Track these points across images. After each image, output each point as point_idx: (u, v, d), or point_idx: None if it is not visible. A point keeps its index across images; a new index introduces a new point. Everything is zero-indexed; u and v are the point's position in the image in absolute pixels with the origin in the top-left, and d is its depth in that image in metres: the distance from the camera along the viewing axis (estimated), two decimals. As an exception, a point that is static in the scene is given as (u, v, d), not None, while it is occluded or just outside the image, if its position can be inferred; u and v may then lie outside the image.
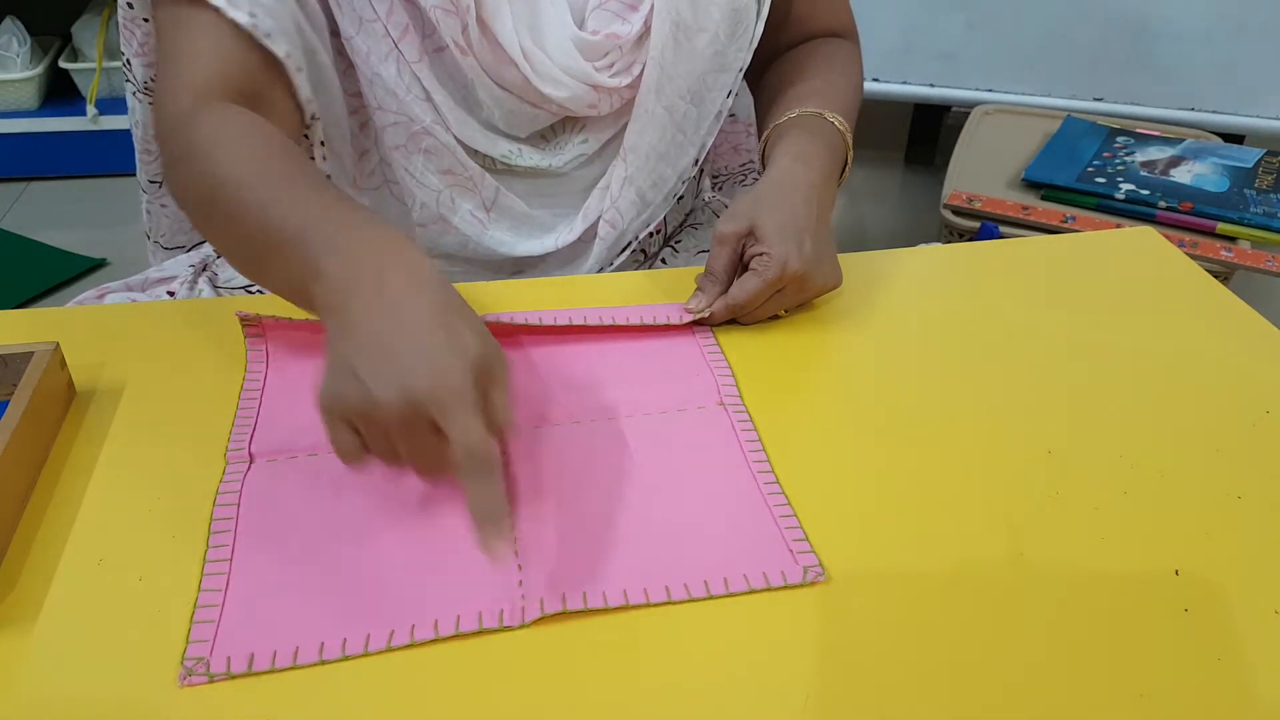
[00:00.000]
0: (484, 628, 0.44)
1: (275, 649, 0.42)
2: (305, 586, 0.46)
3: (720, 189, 0.93)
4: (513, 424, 0.46)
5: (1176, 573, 0.48)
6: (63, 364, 0.55)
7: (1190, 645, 0.44)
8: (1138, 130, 1.54)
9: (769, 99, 0.78)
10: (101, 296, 0.74)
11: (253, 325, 0.60)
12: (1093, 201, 1.37)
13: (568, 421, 0.56)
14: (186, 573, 0.46)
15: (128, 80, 0.75)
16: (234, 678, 0.41)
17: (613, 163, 0.74)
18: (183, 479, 0.51)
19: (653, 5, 0.69)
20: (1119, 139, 1.50)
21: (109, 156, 1.99)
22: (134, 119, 0.78)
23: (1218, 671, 0.43)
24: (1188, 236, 1.31)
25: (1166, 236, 0.77)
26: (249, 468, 0.52)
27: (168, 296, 0.76)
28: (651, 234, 0.80)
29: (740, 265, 0.63)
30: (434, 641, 0.43)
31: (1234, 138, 1.68)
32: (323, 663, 0.42)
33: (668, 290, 0.67)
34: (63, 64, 1.94)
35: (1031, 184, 1.42)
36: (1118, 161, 1.44)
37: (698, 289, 0.64)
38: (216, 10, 0.59)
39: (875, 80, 1.81)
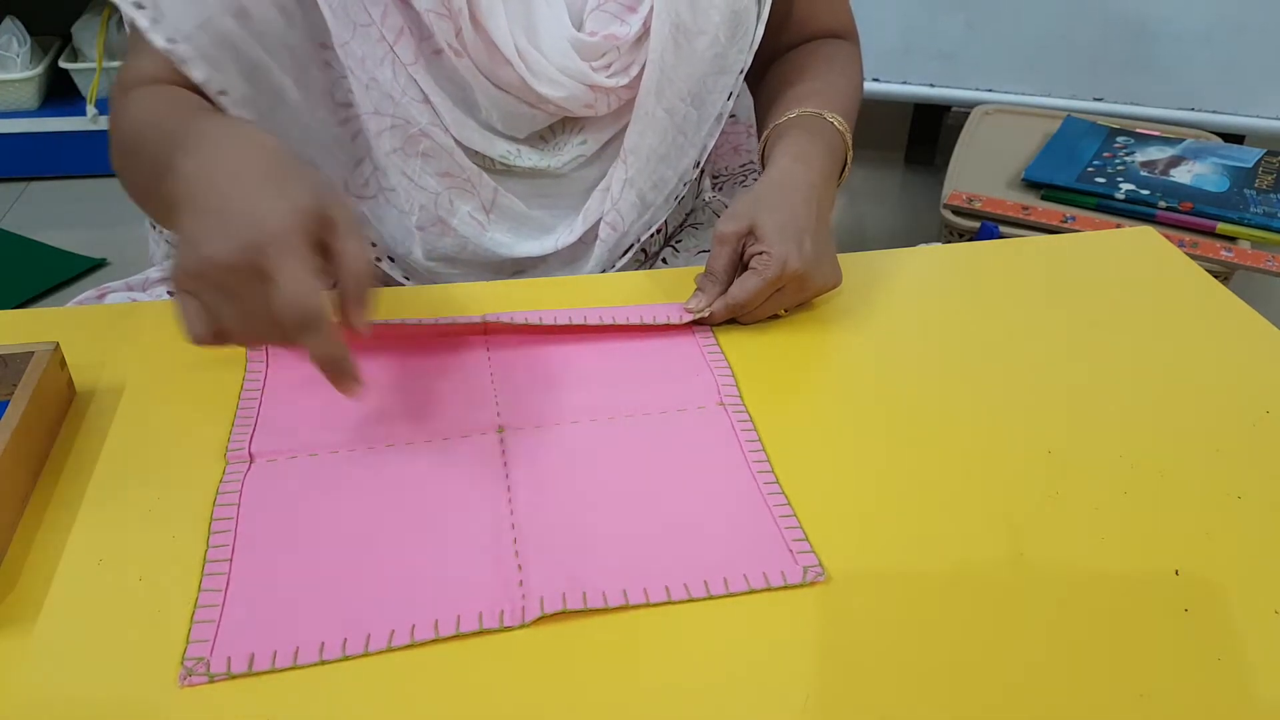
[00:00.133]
0: (484, 628, 0.44)
1: (275, 649, 0.42)
2: (305, 586, 0.46)
3: (720, 189, 0.93)
4: (368, 270, 0.47)
5: (1176, 573, 0.48)
6: (63, 364, 0.55)
7: (1190, 645, 0.44)
8: (1138, 130, 1.54)
9: (769, 99, 0.78)
10: (101, 296, 0.74)
11: (253, 325, 0.60)
12: (1093, 201, 1.37)
13: (568, 421, 0.56)
14: (186, 573, 0.46)
15: (127, 80, 0.76)
16: (234, 678, 0.41)
17: (613, 165, 0.74)
18: (183, 479, 0.51)
19: (652, 7, 0.69)
20: (1119, 139, 1.50)
21: (109, 156, 1.98)
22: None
23: (1218, 671, 0.43)
24: (1188, 236, 1.31)
25: (1166, 236, 0.77)
26: (249, 468, 0.52)
27: (168, 296, 0.76)
28: (653, 234, 0.80)
29: (740, 265, 0.63)
30: (434, 641, 0.43)
31: (1234, 138, 1.68)
32: (323, 663, 0.42)
33: (668, 290, 0.67)
34: (63, 64, 1.94)
35: (1031, 184, 1.42)
36: (1118, 161, 1.44)
37: (698, 289, 0.64)
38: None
39: (875, 80, 1.81)
